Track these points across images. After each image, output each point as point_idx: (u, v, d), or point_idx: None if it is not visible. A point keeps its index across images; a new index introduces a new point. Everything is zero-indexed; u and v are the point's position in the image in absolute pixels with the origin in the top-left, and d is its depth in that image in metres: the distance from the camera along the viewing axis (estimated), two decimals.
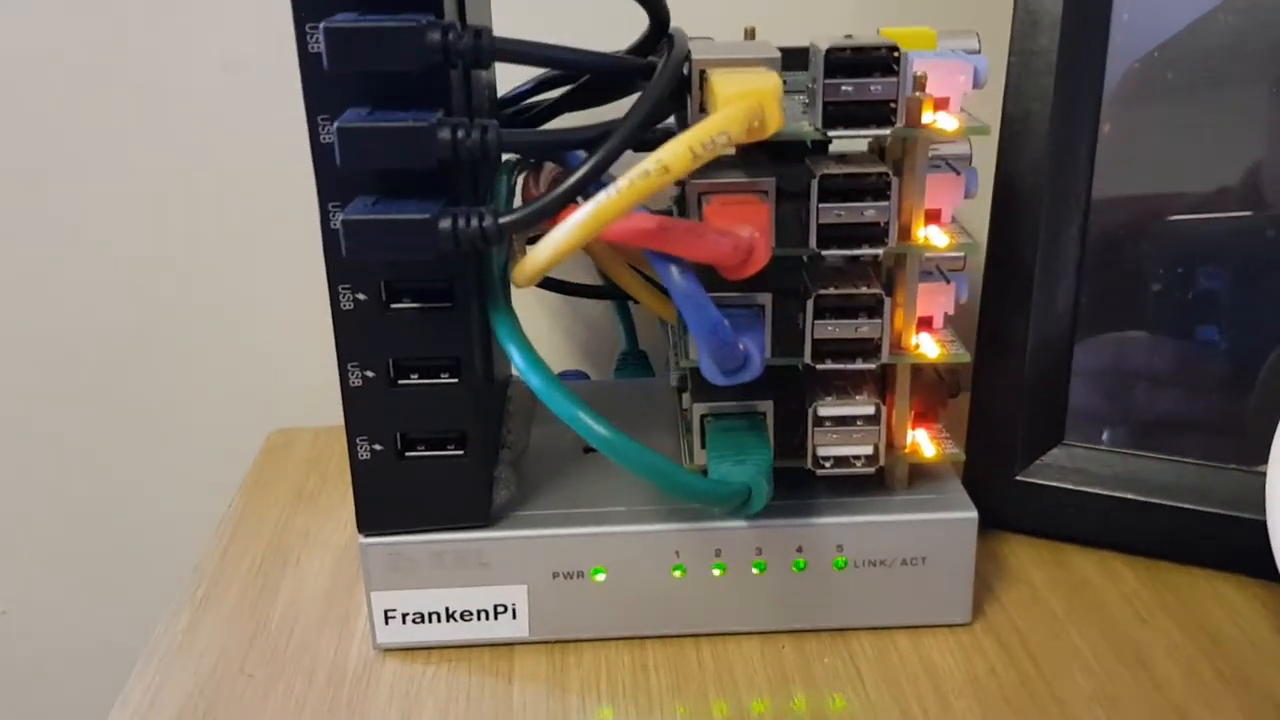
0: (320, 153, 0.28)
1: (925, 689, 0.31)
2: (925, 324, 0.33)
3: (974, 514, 0.33)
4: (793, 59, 0.37)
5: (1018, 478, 0.37)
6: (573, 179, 0.27)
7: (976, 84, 0.31)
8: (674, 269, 0.26)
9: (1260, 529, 0.30)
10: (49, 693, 0.55)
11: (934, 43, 0.33)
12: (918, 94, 0.30)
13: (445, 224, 0.27)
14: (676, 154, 0.24)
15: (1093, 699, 0.31)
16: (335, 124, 0.26)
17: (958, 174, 0.32)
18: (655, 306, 0.34)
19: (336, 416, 0.32)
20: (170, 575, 0.50)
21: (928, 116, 0.30)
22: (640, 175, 0.24)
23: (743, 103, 0.25)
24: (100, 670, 0.54)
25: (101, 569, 0.52)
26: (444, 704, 0.32)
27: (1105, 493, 0.36)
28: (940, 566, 0.33)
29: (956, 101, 0.31)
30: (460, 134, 0.27)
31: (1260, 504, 0.31)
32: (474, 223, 0.27)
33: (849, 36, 0.30)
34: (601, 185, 0.26)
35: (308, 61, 0.28)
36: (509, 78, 0.39)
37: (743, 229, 0.26)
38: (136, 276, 0.48)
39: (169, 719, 0.32)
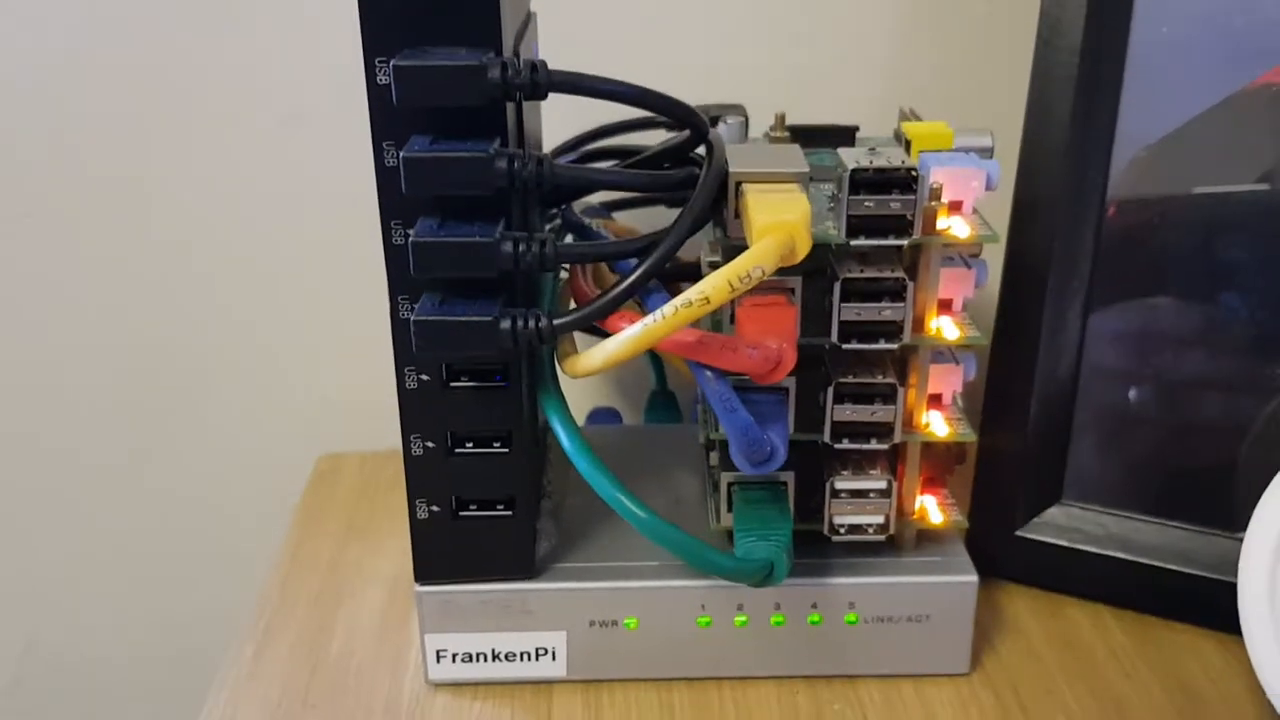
0: (393, 257, 0.31)
1: None
2: (935, 400, 0.36)
3: (975, 578, 0.36)
4: (821, 137, 0.41)
5: (1018, 533, 0.40)
6: (621, 286, 0.30)
7: (989, 187, 0.34)
8: (709, 374, 0.30)
9: (1232, 592, 0.33)
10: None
11: (950, 141, 0.36)
12: (933, 204, 0.33)
13: (505, 325, 0.30)
14: (716, 287, 0.27)
15: None
16: (411, 238, 0.29)
17: (969, 267, 0.35)
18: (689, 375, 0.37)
19: (382, 440, 0.35)
20: (227, 596, 0.54)
21: (942, 223, 0.33)
22: (684, 304, 0.27)
23: (776, 236, 0.28)
24: (156, 694, 0.58)
25: (156, 589, 0.56)
26: None
27: (1098, 551, 0.40)
28: (943, 623, 0.36)
29: (969, 204, 0.34)
30: (522, 247, 0.30)
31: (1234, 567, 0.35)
32: (530, 324, 0.30)
33: (873, 150, 0.33)
34: (648, 292, 0.30)
35: (375, 91, 0.30)
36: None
37: (771, 341, 0.29)
38: (190, 303, 0.51)
39: None
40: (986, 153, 0.37)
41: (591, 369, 0.30)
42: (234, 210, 0.49)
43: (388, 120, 0.30)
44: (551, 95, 0.30)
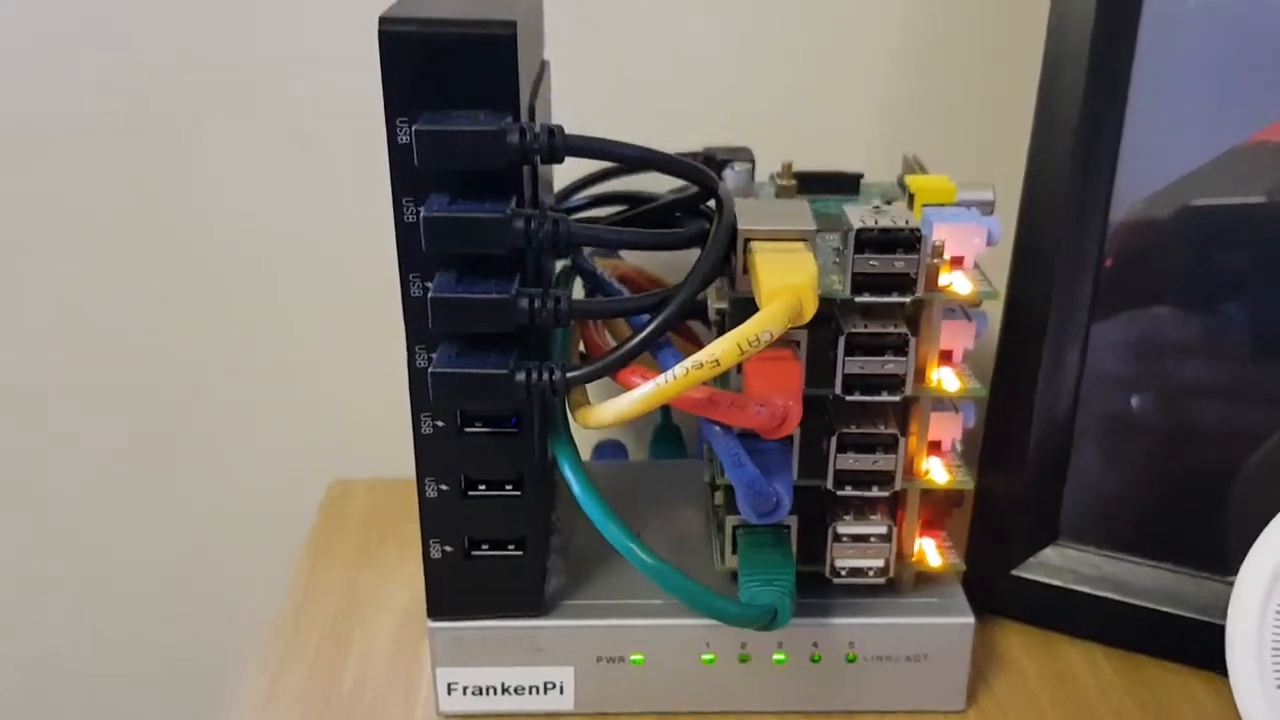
0: (410, 308, 0.32)
1: None
2: (935, 447, 0.37)
3: (971, 619, 0.37)
4: (827, 185, 0.42)
5: (1014, 573, 0.42)
6: (633, 342, 0.31)
7: (990, 243, 0.35)
8: (718, 429, 0.31)
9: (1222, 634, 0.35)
10: None
11: (953, 195, 0.37)
12: (935, 260, 0.34)
13: (520, 377, 0.31)
14: (726, 350, 0.28)
15: None
16: (430, 293, 0.30)
17: (969, 319, 0.36)
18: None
19: (391, 468, 0.35)
20: (240, 615, 0.55)
21: (945, 279, 0.34)
22: (695, 365, 0.29)
23: (784, 300, 0.29)
24: (164, 711, 0.59)
25: (165, 608, 0.57)
26: None
27: (1091, 592, 0.41)
28: (940, 662, 0.37)
29: (971, 260, 0.35)
30: (537, 303, 0.31)
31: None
32: (544, 376, 0.31)
33: (877, 208, 0.34)
34: (659, 346, 0.31)
35: (396, 150, 0.31)
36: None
37: (778, 398, 0.30)
38: (201, 324, 0.52)
39: None
40: (988, 207, 0.38)
41: (602, 423, 0.31)
42: (246, 233, 0.50)
43: (407, 177, 0.31)
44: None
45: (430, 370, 0.31)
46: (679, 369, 0.29)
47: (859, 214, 0.33)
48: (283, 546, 0.49)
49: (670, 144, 0.45)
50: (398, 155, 0.31)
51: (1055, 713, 0.38)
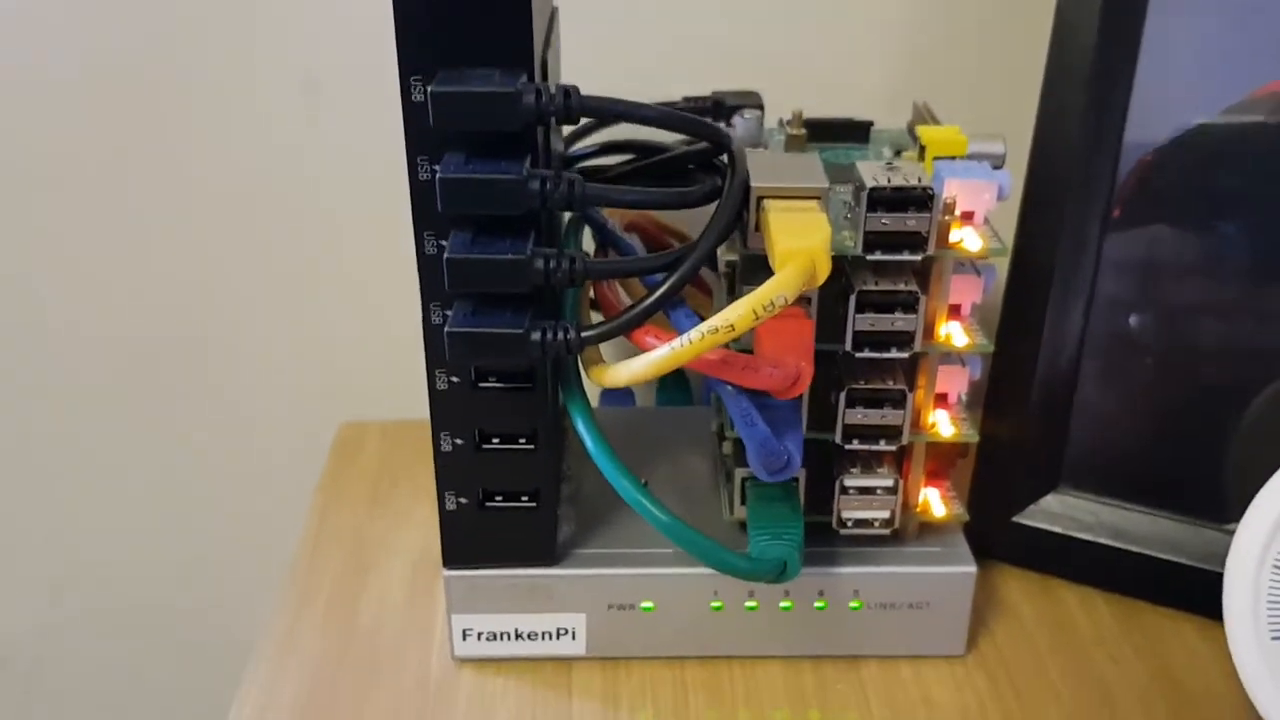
0: (425, 266, 0.33)
1: None
2: (941, 400, 0.37)
3: (973, 568, 0.38)
4: (837, 133, 0.42)
5: (1014, 519, 0.42)
6: (647, 302, 0.32)
7: (1000, 198, 0.35)
8: (730, 389, 0.31)
9: (1218, 581, 0.35)
10: (139, 684, 0.61)
11: (964, 146, 0.37)
12: (946, 217, 0.34)
13: (535, 336, 0.32)
14: (741, 315, 0.29)
15: None
16: (446, 254, 0.31)
17: (978, 274, 0.36)
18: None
19: (403, 410, 0.35)
20: (253, 560, 0.56)
21: (955, 235, 0.34)
22: (710, 330, 0.29)
23: (798, 264, 0.29)
24: (182, 649, 0.60)
25: (181, 548, 0.58)
26: (514, 711, 0.37)
27: (1090, 538, 0.41)
28: (942, 609, 0.38)
29: (981, 215, 0.35)
30: (552, 264, 0.31)
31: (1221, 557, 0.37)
32: (559, 335, 0.32)
33: (890, 165, 0.34)
34: (673, 305, 0.31)
35: (410, 108, 0.31)
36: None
37: (790, 359, 0.31)
38: (206, 269, 0.52)
39: (285, 716, 0.37)
40: (998, 160, 0.38)
41: (616, 383, 0.31)
42: (253, 168, 0.50)
43: (421, 135, 0.31)
44: (569, 71, 0.31)
45: (446, 329, 0.32)
46: (694, 333, 0.29)
47: (871, 171, 0.34)
48: (295, 489, 0.50)
49: (679, 89, 0.46)
50: (412, 113, 0.31)
51: (1053, 658, 0.39)
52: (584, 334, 0.32)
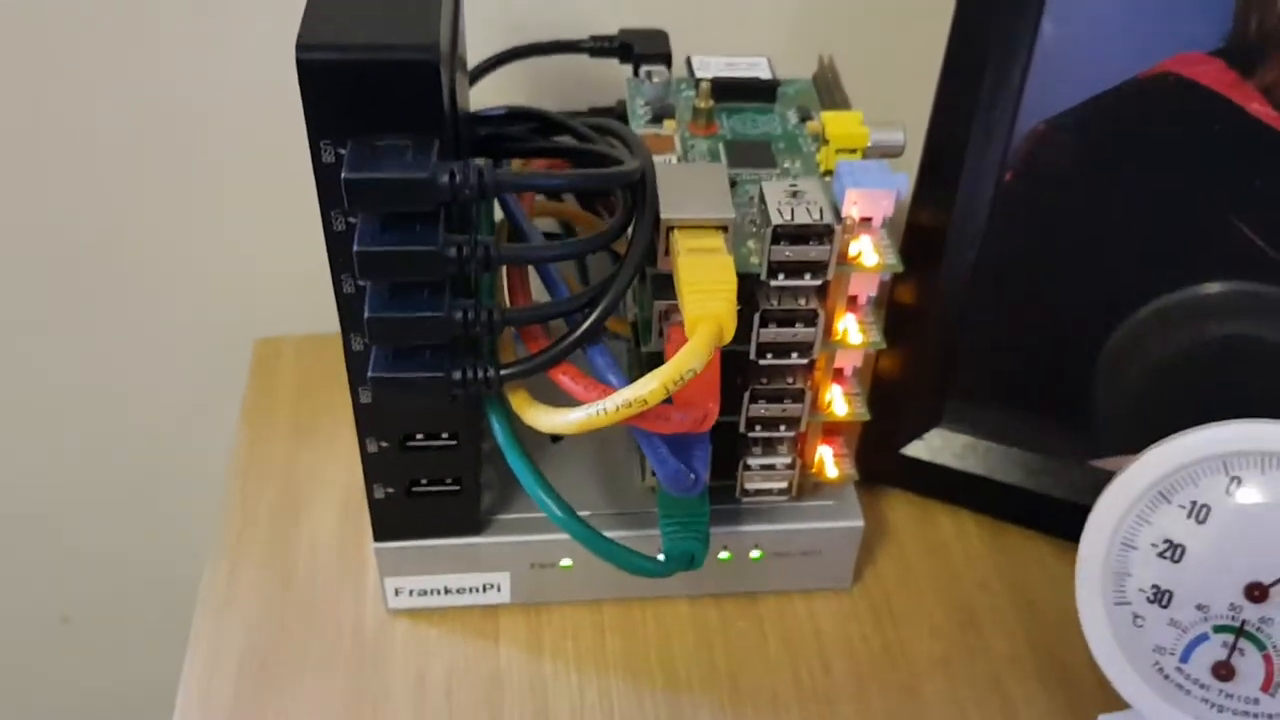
0: (344, 304, 0.33)
1: (813, 655, 0.42)
2: (838, 375, 0.40)
3: (860, 523, 0.42)
4: (745, 93, 0.42)
5: (901, 451, 0.46)
6: (568, 341, 0.33)
7: (898, 203, 0.37)
8: (642, 430, 0.33)
9: (1076, 509, 0.39)
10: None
11: (865, 138, 0.38)
12: (846, 237, 0.36)
13: (457, 375, 0.33)
14: (653, 390, 0.31)
15: (935, 663, 0.42)
16: (366, 315, 0.32)
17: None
18: None
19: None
20: (176, 484, 0.57)
21: (854, 248, 0.36)
22: (624, 404, 0.31)
23: (704, 333, 0.31)
24: (105, 566, 0.62)
25: (99, 476, 0.59)
26: (448, 659, 0.41)
27: (965, 470, 0.46)
28: (832, 555, 0.42)
29: (879, 220, 0.37)
30: (470, 315, 0.32)
31: (1081, 487, 0.43)
32: (479, 374, 0.33)
33: (794, 190, 0.35)
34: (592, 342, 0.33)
35: (321, 169, 0.31)
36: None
37: (698, 405, 0.33)
38: (114, 183, 0.50)
39: (233, 671, 0.41)
40: (898, 149, 0.39)
41: (535, 425, 0.33)
42: (154, 76, 0.48)
43: (333, 191, 0.31)
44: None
45: (370, 374, 0.33)
46: (609, 404, 0.31)
47: (776, 199, 0.35)
48: (215, 412, 0.52)
49: (585, 27, 0.45)
50: (323, 172, 0.31)
51: (929, 584, 0.44)
52: (503, 372, 0.33)
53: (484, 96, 0.46)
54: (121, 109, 0.49)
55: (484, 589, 0.42)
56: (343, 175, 0.29)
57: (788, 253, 0.34)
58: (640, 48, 0.44)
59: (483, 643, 0.42)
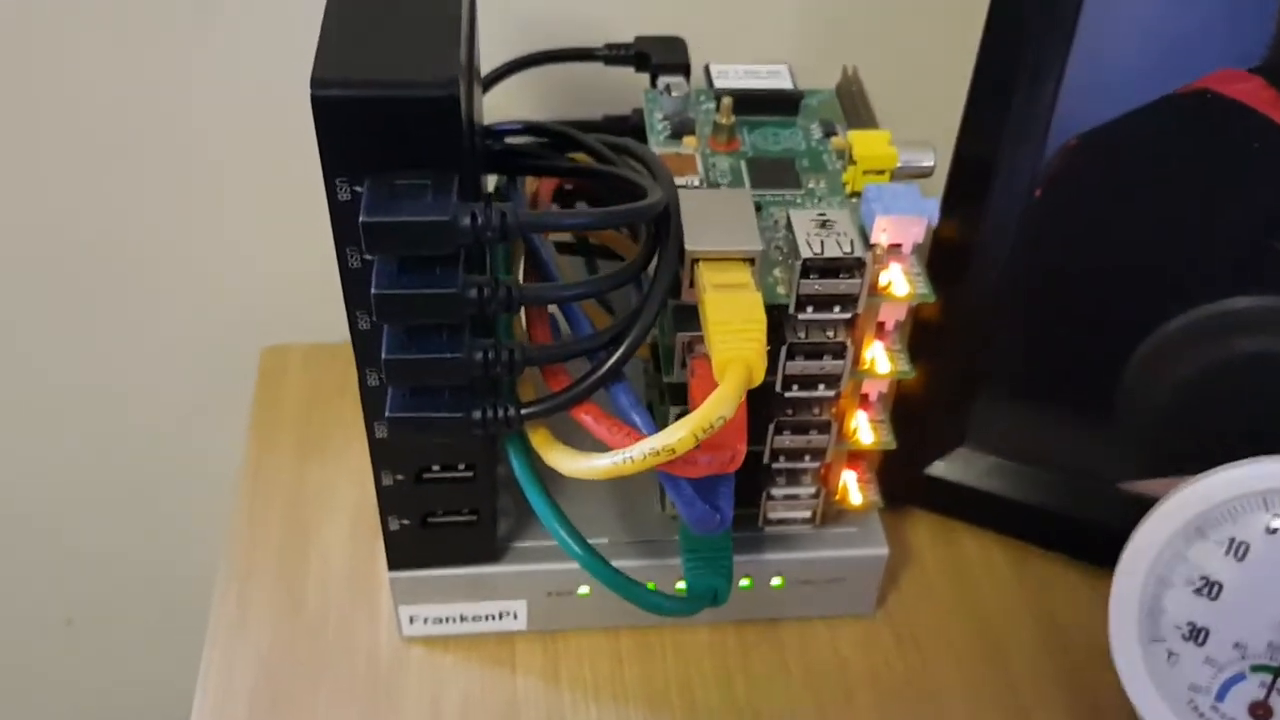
0: (360, 343, 0.32)
1: (835, 684, 0.41)
2: (863, 401, 0.39)
3: (885, 551, 0.41)
4: (768, 106, 0.41)
5: (924, 471, 0.45)
6: (587, 382, 0.32)
7: (929, 230, 0.36)
8: (669, 475, 0.32)
9: (1103, 533, 0.39)
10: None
11: (894, 159, 0.37)
12: (876, 267, 0.34)
13: (476, 414, 0.32)
14: (681, 439, 0.29)
15: (960, 694, 0.41)
16: (382, 357, 0.30)
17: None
18: None
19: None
20: (177, 485, 0.56)
21: (884, 278, 0.35)
22: (651, 452, 0.30)
23: (734, 378, 0.30)
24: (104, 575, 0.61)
25: (100, 477, 0.58)
26: (463, 687, 0.40)
27: (990, 490, 0.45)
28: (856, 583, 0.42)
29: (909, 247, 0.36)
30: (491, 355, 0.31)
31: (1108, 510, 0.42)
32: (500, 413, 0.32)
33: (822, 220, 0.34)
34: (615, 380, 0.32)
35: (337, 207, 0.30)
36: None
37: (725, 447, 0.32)
38: (111, 177, 0.49)
39: (245, 705, 0.40)
40: (927, 171, 0.38)
41: (557, 468, 0.32)
42: (155, 75, 0.47)
43: (348, 229, 0.30)
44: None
45: (387, 415, 0.32)
46: (636, 453, 0.30)
47: (804, 230, 0.33)
48: (223, 421, 0.51)
49: (600, 34, 0.44)
50: (339, 209, 0.30)
51: (953, 610, 0.43)
52: (524, 411, 0.32)
53: (497, 103, 0.45)
54: (122, 108, 0.47)
55: (500, 616, 0.41)
56: (360, 219, 0.28)
57: (817, 286, 0.33)
58: (657, 57, 0.42)
59: (499, 670, 0.41)
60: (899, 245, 0.35)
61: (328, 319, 0.48)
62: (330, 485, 0.47)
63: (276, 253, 0.51)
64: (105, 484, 0.59)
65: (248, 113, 0.48)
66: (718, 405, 0.29)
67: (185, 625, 0.57)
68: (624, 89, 0.44)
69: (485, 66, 0.43)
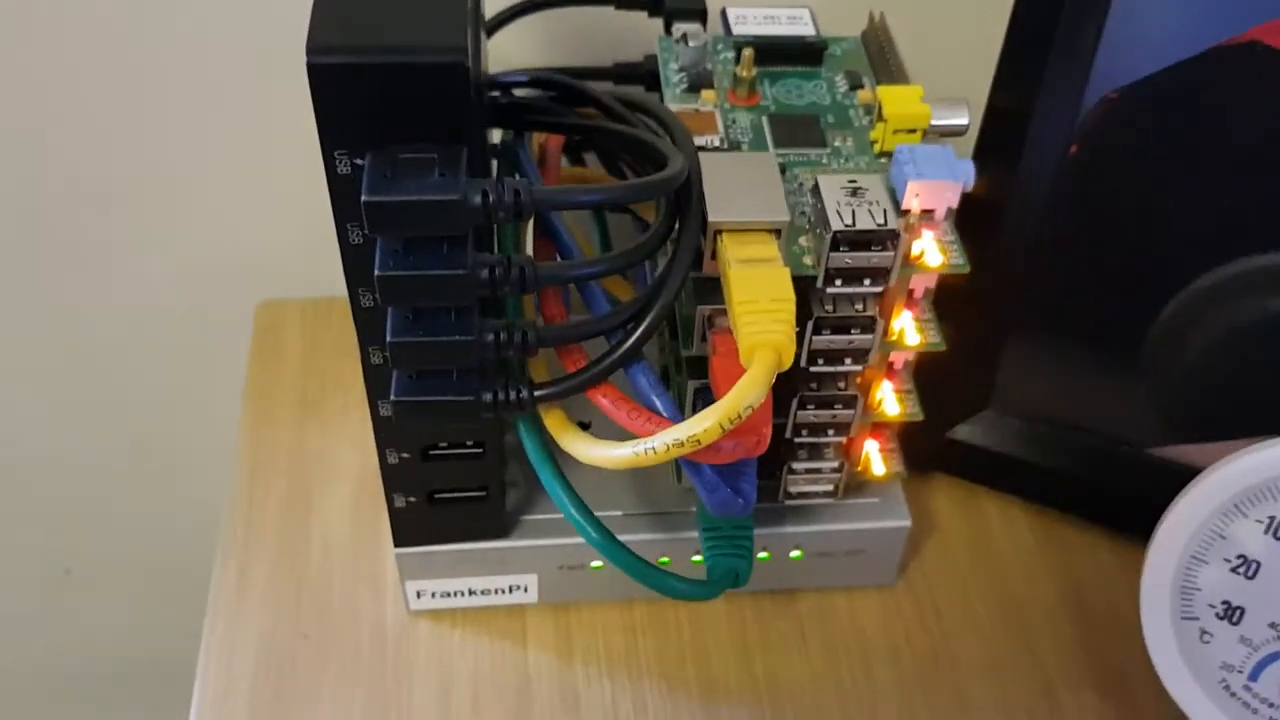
0: (362, 320, 0.31)
1: (855, 656, 0.40)
2: (890, 370, 0.37)
3: (907, 523, 0.39)
4: (790, 56, 0.39)
5: (947, 435, 0.44)
6: (605, 363, 0.30)
7: (964, 192, 0.34)
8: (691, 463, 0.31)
9: (1131, 500, 0.39)
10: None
11: (927, 117, 0.35)
12: (908, 236, 0.32)
13: (487, 397, 0.30)
14: (708, 429, 0.28)
15: (982, 667, 0.40)
16: (387, 339, 0.29)
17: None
18: None
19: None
20: (173, 447, 0.55)
21: (916, 247, 0.33)
22: (675, 443, 0.28)
23: (763, 364, 0.28)
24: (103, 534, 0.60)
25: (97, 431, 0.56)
26: (473, 662, 0.39)
27: (1013, 454, 0.43)
28: (877, 555, 0.40)
29: (942, 213, 0.34)
30: (503, 337, 0.29)
31: (1137, 477, 0.41)
32: (512, 395, 0.30)
33: (853, 187, 0.32)
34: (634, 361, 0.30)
35: (336, 181, 0.28)
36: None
37: (751, 432, 0.30)
38: (104, 132, 0.47)
39: (248, 685, 0.38)
40: (961, 129, 0.35)
41: (574, 455, 0.31)
42: (162, 28, 0.44)
43: (348, 204, 0.28)
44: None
45: (392, 399, 0.30)
46: (659, 443, 0.28)
47: (834, 198, 0.31)
48: (220, 377, 0.49)
49: None
50: (338, 184, 0.28)
51: (974, 579, 0.42)
52: (537, 393, 0.31)
53: (502, 49, 0.42)
54: (119, 55, 0.45)
55: (510, 590, 0.40)
56: (362, 199, 0.26)
57: (848, 259, 0.31)
58: (672, 1, 0.40)
59: (510, 645, 0.40)
60: (931, 211, 0.33)
61: (325, 272, 0.46)
62: (331, 451, 0.45)
63: (272, 204, 0.49)
64: (101, 436, 0.57)
65: (243, 61, 0.45)
66: (746, 393, 0.28)
67: (183, 575, 0.56)
68: (636, 33, 0.42)
69: (490, 9, 0.41)
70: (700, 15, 0.39)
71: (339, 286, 0.31)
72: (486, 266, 0.28)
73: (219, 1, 0.43)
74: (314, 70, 0.26)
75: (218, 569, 0.41)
